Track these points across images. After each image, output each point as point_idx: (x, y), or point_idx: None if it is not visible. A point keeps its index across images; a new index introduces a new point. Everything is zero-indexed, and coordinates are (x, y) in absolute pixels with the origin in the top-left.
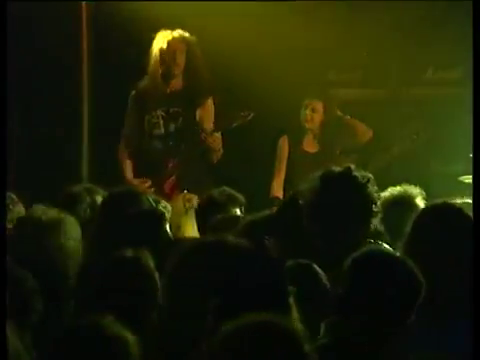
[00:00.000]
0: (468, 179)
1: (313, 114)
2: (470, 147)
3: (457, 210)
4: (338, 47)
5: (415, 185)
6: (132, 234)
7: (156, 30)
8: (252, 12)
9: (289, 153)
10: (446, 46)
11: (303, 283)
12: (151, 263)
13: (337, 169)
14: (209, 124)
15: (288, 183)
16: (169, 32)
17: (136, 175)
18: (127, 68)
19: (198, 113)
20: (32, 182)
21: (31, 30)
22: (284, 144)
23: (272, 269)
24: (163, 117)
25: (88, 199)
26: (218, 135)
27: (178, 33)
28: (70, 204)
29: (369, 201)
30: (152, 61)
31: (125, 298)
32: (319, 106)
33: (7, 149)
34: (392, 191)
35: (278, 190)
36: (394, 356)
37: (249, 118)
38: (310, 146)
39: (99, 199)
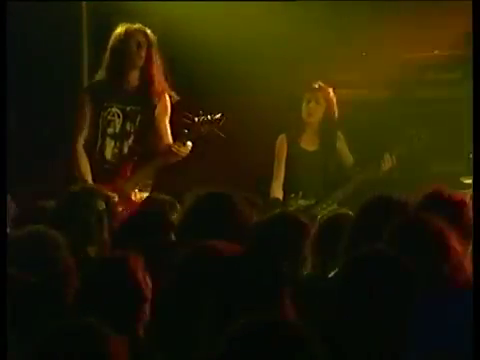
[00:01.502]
0: (469, 180)
1: (317, 106)
2: (471, 148)
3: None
4: (338, 47)
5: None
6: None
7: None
8: (251, 12)
9: (287, 152)
10: (447, 47)
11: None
12: (140, 263)
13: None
14: (165, 122)
15: (287, 183)
16: (130, 25)
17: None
18: None
19: (156, 112)
20: (31, 182)
21: (31, 30)
22: (282, 143)
23: (270, 269)
24: (119, 115)
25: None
26: (189, 144)
27: (140, 27)
28: (70, 204)
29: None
30: (113, 52)
31: (114, 298)
32: (322, 99)
33: (7, 149)
34: None
35: (278, 191)
36: (392, 355)
37: (221, 123)
38: (309, 144)
39: (98, 200)
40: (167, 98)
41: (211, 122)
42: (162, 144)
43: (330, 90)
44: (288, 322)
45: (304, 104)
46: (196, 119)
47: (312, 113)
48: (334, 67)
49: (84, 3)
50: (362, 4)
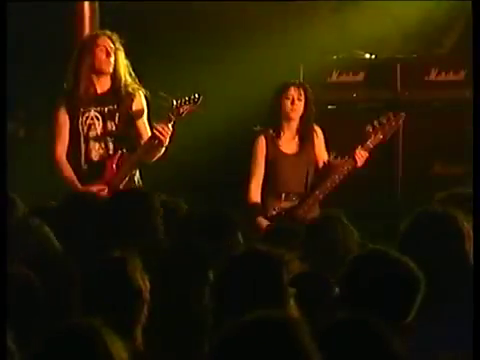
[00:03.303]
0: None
1: (298, 103)
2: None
3: (450, 215)
4: (339, 48)
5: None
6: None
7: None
8: (251, 12)
9: (267, 155)
10: (449, 47)
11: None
12: (138, 263)
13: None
14: (143, 119)
15: (269, 186)
16: (96, 32)
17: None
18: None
19: (133, 109)
20: (32, 182)
21: (33, 30)
22: (261, 145)
23: (272, 270)
24: (98, 117)
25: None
26: (169, 126)
27: (105, 32)
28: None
29: None
30: (82, 62)
31: (112, 298)
32: (302, 94)
33: (7, 149)
34: None
35: (256, 195)
36: (393, 355)
37: (198, 103)
38: (288, 147)
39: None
40: (141, 96)
41: (190, 102)
42: (143, 139)
43: (308, 87)
44: (285, 321)
45: (284, 100)
46: (175, 101)
47: (294, 109)
48: (336, 68)
49: (86, 3)
50: (364, 4)
